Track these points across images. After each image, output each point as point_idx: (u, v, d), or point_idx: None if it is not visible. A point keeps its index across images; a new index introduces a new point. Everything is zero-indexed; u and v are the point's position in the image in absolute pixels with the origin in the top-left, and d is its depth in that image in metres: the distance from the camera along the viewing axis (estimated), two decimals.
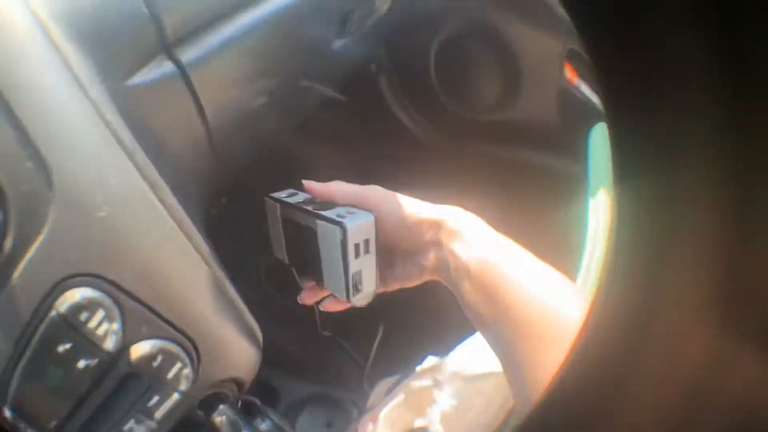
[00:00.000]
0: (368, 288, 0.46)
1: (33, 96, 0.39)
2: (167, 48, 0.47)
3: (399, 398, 0.58)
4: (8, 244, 0.38)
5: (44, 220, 0.38)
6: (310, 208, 0.47)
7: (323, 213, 0.45)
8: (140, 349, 0.41)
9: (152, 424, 0.42)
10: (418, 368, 0.60)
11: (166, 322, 0.41)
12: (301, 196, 0.50)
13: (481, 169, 0.77)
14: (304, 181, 0.49)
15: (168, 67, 0.46)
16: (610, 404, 0.23)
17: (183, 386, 0.43)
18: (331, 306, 0.50)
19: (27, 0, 0.40)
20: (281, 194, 0.51)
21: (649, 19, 0.17)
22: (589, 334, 0.24)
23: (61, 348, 0.39)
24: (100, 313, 0.39)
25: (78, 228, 0.39)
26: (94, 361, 0.40)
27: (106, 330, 0.39)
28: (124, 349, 0.41)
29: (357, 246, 0.43)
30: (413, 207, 0.45)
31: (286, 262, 0.53)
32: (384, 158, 0.84)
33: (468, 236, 0.42)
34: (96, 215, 0.39)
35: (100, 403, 0.41)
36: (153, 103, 0.45)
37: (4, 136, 0.38)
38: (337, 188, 0.47)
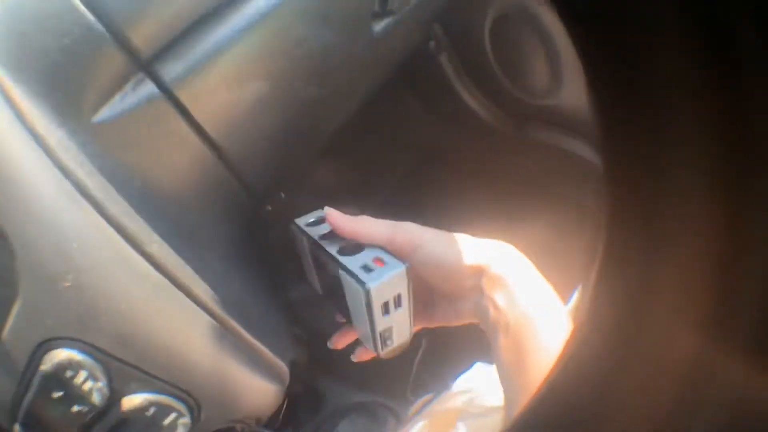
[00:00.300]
0: (400, 341, 0.42)
1: None
2: (145, 66, 0.40)
3: (420, 424, 0.55)
4: None
5: (17, 288, 0.38)
6: (334, 251, 0.41)
7: (346, 263, 0.39)
8: (131, 402, 0.41)
9: None
10: (447, 393, 0.57)
11: (155, 377, 0.40)
12: (326, 226, 0.44)
13: (544, 157, 0.69)
14: (326, 213, 0.42)
15: (147, 89, 0.40)
16: (597, 410, 0.24)
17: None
18: (363, 356, 0.46)
19: None
20: (308, 219, 0.46)
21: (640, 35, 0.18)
22: (578, 341, 0.24)
23: (54, 395, 0.41)
24: (83, 373, 0.40)
25: (48, 296, 0.38)
26: (85, 408, 0.41)
27: (91, 387, 0.40)
28: (113, 401, 0.41)
29: (385, 304, 0.38)
30: (452, 249, 0.39)
31: (320, 293, 0.48)
32: (447, 143, 0.77)
33: (511, 285, 0.38)
34: (61, 284, 0.37)
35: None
36: (135, 134, 0.41)
37: None
38: (365, 228, 0.41)
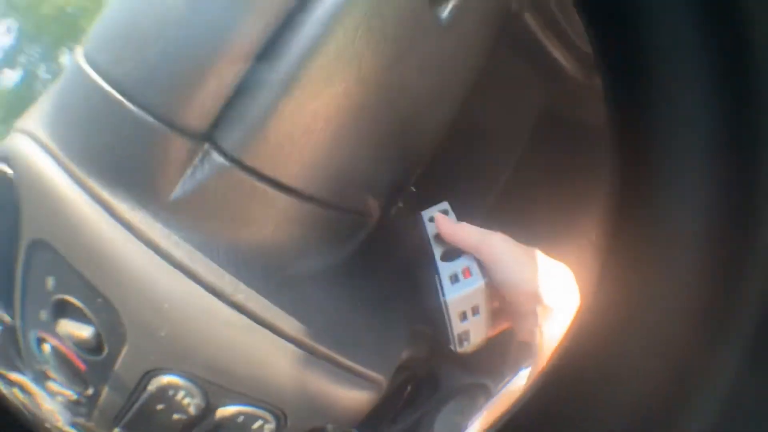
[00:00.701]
0: (476, 341, 0.48)
1: (78, 242, 0.45)
2: (205, 140, 0.45)
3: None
4: (105, 349, 0.49)
5: (124, 337, 0.47)
6: (438, 254, 0.47)
7: (441, 270, 0.45)
8: (223, 412, 0.50)
9: None
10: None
11: (244, 395, 0.49)
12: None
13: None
14: (436, 218, 0.49)
15: (213, 161, 0.46)
16: (593, 390, 0.25)
17: None
18: None
19: (50, 150, 0.44)
20: (432, 212, 0.51)
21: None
22: (577, 333, 0.26)
23: (158, 407, 0.50)
24: (181, 392, 0.49)
25: (149, 342, 0.47)
26: (184, 416, 0.51)
27: (189, 402, 0.50)
28: (208, 411, 0.51)
29: (463, 313, 0.44)
30: (522, 272, 0.43)
31: None
32: (558, 104, 0.74)
33: (560, 318, 0.41)
34: (159, 334, 0.45)
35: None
36: (214, 204, 0.46)
37: (69, 279, 0.46)
38: (461, 234, 0.47)
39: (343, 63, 0.45)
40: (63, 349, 0.53)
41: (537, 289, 0.42)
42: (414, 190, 0.61)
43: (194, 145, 0.45)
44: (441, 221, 0.47)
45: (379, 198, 0.55)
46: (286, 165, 0.47)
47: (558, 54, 0.68)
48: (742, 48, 0.20)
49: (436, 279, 0.45)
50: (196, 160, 0.45)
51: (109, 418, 0.54)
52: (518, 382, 0.55)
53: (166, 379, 0.48)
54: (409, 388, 0.58)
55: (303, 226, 0.49)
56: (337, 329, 0.50)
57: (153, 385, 0.49)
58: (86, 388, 0.54)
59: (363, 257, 0.55)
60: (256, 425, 0.51)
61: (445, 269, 0.45)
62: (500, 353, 0.65)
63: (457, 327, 0.44)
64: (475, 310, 0.44)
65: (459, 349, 0.47)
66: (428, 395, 0.64)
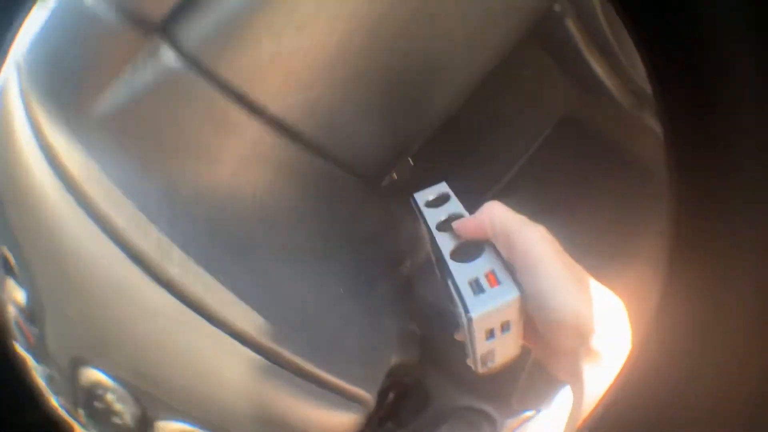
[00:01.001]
0: (502, 360, 0.37)
1: (8, 174, 0.34)
2: (156, 31, 0.31)
3: None
4: (37, 321, 0.38)
5: (44, 307, 0.36)
6: (447, 251, 0.35)
7: (456, 273, 0.34)
8: (165, 427, 0.37)
9: None
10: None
11: (185, 413, 0.35)
12: (448, 207, 0.38)
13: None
14: (454, 225, 0.36)
15: (162, 59, 0.31)
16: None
17: None
18: None
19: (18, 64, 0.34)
20: (428, 197, 0.39)
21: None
22: (643, 353, 0.25)
23: (97, 405, 0.38)
24: (110, 395, 0.36)
25: (62, 322, 0.34)
26: (122, 423, 0.38)
27: (122, 409, 0.36)
28: (147, 423, 0.37)
29: (490, 330, 0.34)
30: (571, 291, 0.32)
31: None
32: (582, 110, 0.68)
33: (607, 366, 0.32)
34: (67, 313, 0.32)
35: None
36: (152, 122, 0.33)
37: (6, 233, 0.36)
38: (490, 217, 0.34)
39: None
40: (15, 316, 0.42)
41: (585, 325, 0.32)
42: (411, 163, 0.49)
43: (138, 38, 0.30)
44: (463, 225, 0.36)
45: (374, 156, 0.39)
46: (262, 78, 0.31)
47: (598, 68, 0.62)
48: None
49: (449, 284, 0.33)
50: (138, 59, 0.30)
51: (70, 402, 0.43)
52: (535, 426, 0.53)
53: (92, 373, 0.35)
54: (391, 395, 0.45)
55: (276, 173, 0.32)
56: (310, 327, 0.34)
57: (83, 378, 0.36)
58: (43, 364, 0.43)
59: (346, 235, 0.39)
60: None
61: (461, 273, 0.33)
62: (508, 374, 0.53)
63: (481, 347, 0.34)
64: (505, 327, 0.33)
65: (481, 370, 0.36)
66: (415, 410, 0.54)
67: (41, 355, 0.42)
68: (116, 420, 0.38)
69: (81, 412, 0.43)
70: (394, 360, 0.42)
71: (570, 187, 0.60)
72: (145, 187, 0.31)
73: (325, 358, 0.34)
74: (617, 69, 0.62)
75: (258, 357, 0.32)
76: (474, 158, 0.65)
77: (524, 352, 0.51)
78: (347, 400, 0.37)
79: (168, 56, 0.32)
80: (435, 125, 0.41)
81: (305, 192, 0.34)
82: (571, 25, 0.59)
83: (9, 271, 0.40)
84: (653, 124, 0.63)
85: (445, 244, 0.35)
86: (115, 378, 0.35)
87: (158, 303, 0.31)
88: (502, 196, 0.60)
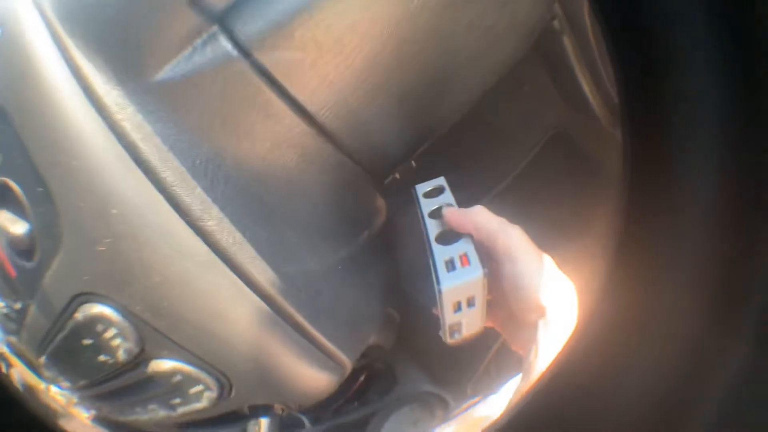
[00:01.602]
0: (469, 332, 0.42)
1: (35, 113, 0.36)
2: (216, 20, 0.36)
3: (451, 428, 0.55)
4: (37, 254, 0.40)
5: (59, 243, 0.38)
6: (433, 235, 0.42)
7: (436, 253, 0.40)
8: (158, 365, 0.41)
9: (173, 414, 0.44)
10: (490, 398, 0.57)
11: (187, 350, 0.39)
12: (442, 198, 0.44)
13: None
14: (444, 211, 0.42)
15: (219, 47, 0.36)
16: (605, 386, 0.25)
17: (205, 403, 0.42)
18: None
19: (40, 6, 0.36)
20: (426, 188, 0.46)
21: None
22: (591, 325, 0.26)
23: (84, 342, 0.41)
24: (112, 330, 0.39)
25: (85, 255, 0.37)
26: (111, 360, 0.41)
27: (119, 344, 0.39)
28: (141, 361, 0.41)
29: (457, 303, 0.39)
30: (534, 278, 0.39)
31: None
32: (574, 128, 0.74)
33: (557, 334, 0.38)
34: (98, 248, 0.35)
35: (124, 384, 0.43)
36: (205, 98, 0.37)
37: (15, 158, 0.37)
38: (474, 222, 0.41)
39: None
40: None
41: (545, 300, 0.38)
42: (414, 164, 0.54)
43: (202, 23, 0.36)
44: (451, 213, 0.42)
45: (384, 155, 0.46)
46: (303, 76, 0.38)
47: (586, 86, 0.67)
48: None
49: (430, 262, 0.39)
50: (198, 42, 0.36)
51: (36, 342, 0.44)
52: (481, 410, 0.57)
53: (97, 308, 0.39)
54: (362, 378, 0.52)
55: (301, 158, 0.39)
56: (312, 291, 0.40)
57: (81, 313, 0.39)
58: (15, 300, 0.44)
59: (349, 221, 0.46)
60: (194, 390, 0.40)
61: (440, 253, 0.39)
62: (466, 365, 0.66)
63: (449, 317, 0.39)
64: (471, 302, 0.39)
65: (449, 340, 0.42)
66: (381, 392, 0.59)
67: (20, 289, 0.44)
68: (102, 357, 0.41)
69: (44, 354, 0.45)
70: (373, 339, 0.48)
71: (555, 200, 0.64)
72: (194, 152, 0.36)
73: (320, 318, 0.40)
74: (599, 85, 0.65)
75: (264, 305, 0.38)
76: (471, 165, 0.68)
77: (484, 348, 0.60)
78: (330, 360, 0.42)
79: (226, 45, 0.37)
80: (440, 132, 0.48)
81: (321, 178, 0.40)
82: (567, 42, 0.63)
83: (6, 202, 0.42)
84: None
85: (432, 228, 0.41)
86: (124, 314, 0.39)
87: (193, 248, 0.36)
88: (495, 200, 0.69)
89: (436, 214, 0.43)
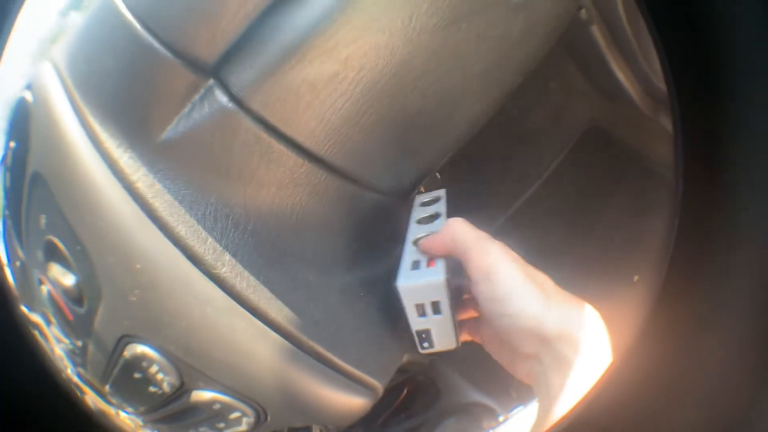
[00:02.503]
0: (443, 345, 0.41)
1: (63, 178, 0.40)
2: (210, 74, 0.37)
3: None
4: (85, 302, 0.43)
5: (100, 291, 0.41)
6: (412, 237, 0.42)
7: (406, 252, 0.41)
8: (199, 395, 0.44)
9: None
10: None
11: (220, 383, 0.42)
12: (435, 207, 0.45)
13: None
14: (419, 244, 0.41)
15: (215, 100, 0.38)
16: None
17: (245, 427, 0.45)
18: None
19: (63, 77, 0.39)
20: (425, 198, 0.47)
21: None
22: (624, 367, 0.25)
23: (135, 375, 0.45)
24: (155, 366, 0.43)
25: (121, 304, 0.40)
26: (159, 390, 0.45)
27: (162, 378, 0.43)
28: (183, 391, 0.44)
29: (420, 306, 0.39)
30: (529, 297, 0.35)
31: None
32: (608, 120, 0.70)
33: (578, 369, 0.33)
34: (130, 298, 0.39)
35: (176, 411, 0.48)
36: (207, 151, 0.39)
37: (55, 218, 0.41)
38: (451, 234, 0.39)
39: (392, 10, 0.37)
40: (54, 294, 0.48)
41: (546, 330, 0.33)
42: (438, 176, 0.53)
43: (197, 80, 0.38)
44: (426, 243, 0.40)
45: (397, 179, 0.46)
46: (300, 117, 0.38)
47: (621, 75, 0.63)
48: None
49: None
50: (196, 98, 0.37)
51: (99, 374, 0.49)
52: (527, 414, 0.56)
53: (140, 348, 0.42)
54: (405, 391, 0.53)
55: (310, 195, 0.40)
56: (332, 323, 0.42)
57: (128, 352, 0.43)
58: (76, 338, 0.49)
59: (371, 246, 0.46)
60: (233, 416, 0.43)
61: (411, 253, 0.39)
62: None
63: (414, 322, 0.39)
64: (436, 309, 0.38)
65: (421, 350, 0.42)
66: (426, 404, 0.59)
67: (78, 331, 0.48)
68: (152, 388, 0.45)
69: (108, 383, 0.50)
70: (406, 358, 0.48)
71: (593, 197, 0.61)
72: (203, 204, 0.38)
73: (342, 348, 0.41)
74: (637, 73, 0.63)
75: (285, 342, 0.40)
76: (500, 170, 0.67)
77: None
78: (358, 385, 0.43)
79: (222, 98, 0.39)
80: (459, 145, 0.47)
81: (334, 210, 0.41)
82: (596, 31, 0.59)
83: (56, 257, 0.46)
84: (668, 125, 0.61)
85: (414, 233, 0.42)
86: (162, 353, 0.42)
87: (210, 294, 0.38)
88: (527, 204, 0.66)
89: (424, 221, 0.43)
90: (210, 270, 0.38)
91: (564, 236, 0.40)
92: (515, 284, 0.35)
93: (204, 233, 0.37)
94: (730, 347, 0.22)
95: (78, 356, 0.52)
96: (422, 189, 0.51)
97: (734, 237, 0.23)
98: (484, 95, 0.44)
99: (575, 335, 0.33)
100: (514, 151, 0.66)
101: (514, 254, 0.37)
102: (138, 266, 0.38)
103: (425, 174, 0.48)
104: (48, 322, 0.54)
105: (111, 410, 0.55)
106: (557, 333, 0.34)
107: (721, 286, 0.23)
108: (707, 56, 0.24)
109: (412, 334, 0.40)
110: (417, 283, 0.37)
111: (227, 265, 0.38)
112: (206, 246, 0.37)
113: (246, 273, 0.38)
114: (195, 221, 0.37)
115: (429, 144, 0.44)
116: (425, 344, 0.41)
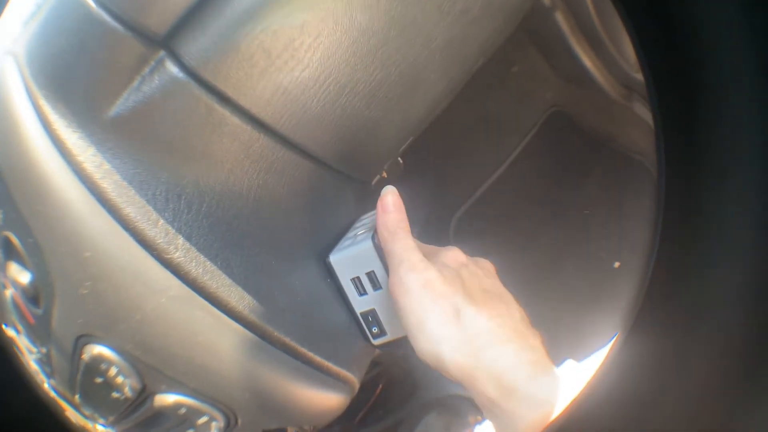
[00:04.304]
0: (396, 333, 0.39)
1: (17, 167, 0.37)
2: (160, 45, 0.35)
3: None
4: (42, 301, 0.41)
5: (54, 287, 0.38)
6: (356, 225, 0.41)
7: (347, 236, 0.39)
8: (162, 399, 0.41)
9: None
10: None
11: (182, 384, 0.39)
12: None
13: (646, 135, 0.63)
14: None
15: (166, 72, 0.35)
16: None
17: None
18: None
19: (20, 65, 0.38)
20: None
21: None
22: (611, 379, 0.24)
23: (97, 380, 0.41)
24: (113, 368, 0.39)
25: (74, 299, 0.37)
26: (122, 396, 0.41)
27: (123, 382, 0.40)
28: (146, 396, 0.41)
29: (357, 280, 0.37)
30: (427, 330, 0.32)
31: None
32: (572, 105, 0.70)
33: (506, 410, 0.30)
34: (80, 291, 0.36)
35: (143, 418, 0.44)
36: (158, 126, 0.37)
37: (10, 212, 0.39)
38: (389, 246, 0.36)
39: None
40: (16, 297, 0.45)
41: (449, 373, 0.31)
42: (401, 161, 0.51)
43: (147, 51, 0.35)
44: (382, 224, 0.37)
45: (359, 160, 0.42)
46: (254, 86, 0.35)
47: (588, 62, 0.63)
48: None
49: None
50: (146, 70, 0.35)
51: (66, 383, 0.46)
52: None
53: (97, 349, 0.39)
54: (381, 386, 0.50)
55: (267, 173, 0.37)
56: (298, 311, 0.38)
57: (86, 354, 0.40)
58: (41, 344, 0.46)
59: (332, 230, 0.43)
60: (200, 421, 0.40)
61: (350, 234, 0.39)
62: None
63: (356, 303, 0.37)
64: (374, 281, 0.36)
65: (374, 341, 0.38)
66: (403, 399, 0.57)
67: (41, 336, 0.45)
68: (115, 394, 0.42)
69: (77, 392, 0.47)
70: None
71: (559, 181, 0.61)
72: (153, 183, 0.35)
73: (311, 339, 0.38)
74: (606, 60, 0.63)
75: (249, 333, 0.37)
76: (464, 155, 0.66)
77: None
78: (333, 379, 0.40)
79: (173, 68, 0.36)
80: (419, 128, 0.44)
81: (293, 190, 0.39)
82: (560, 18, 0.59)
83: (12, 254, 0.44)
84: (642, 112, 0.65)
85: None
86: (120, 352, 0.39)
87: (163, 283, 0.35)
88: (493, 188, 0.66)
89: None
90: (162, 255, 0.34)
91: (536, 219, 0.37)
92: (416, 321, 0.32)
93: (155, 215, 0.34)
94: (713, 352, 0.22)
95: (47, 365, 0.49)
96: (384, 174, 0.48)
97: (720, 237, 0.23)
98: (445, 72, 0.42)
99: (477, 388, 0.30)
100: (477, 136, 0.65)
101: (434, 278, 0.33)
102: (87, 254, 0.35)
103: (387, 156, 0.45)
104: (18, 332, 0.51)
105: (88, 423, 0.52)
106: (460, 380, 0.31)
107: (705, 289, 0.22)
108: (683, 44, 0.23)
109: (361, 326, 0.38)
110: (346, 253, 0.37)
111: (180, 249, 0.34)
112: (157, 229, 0.34)
113: (202, 257, 0.35)
114: (145, 202, 0.34)
115: (391, 120, 0.41)
116: (375, 329, 0.38)
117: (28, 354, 0.51)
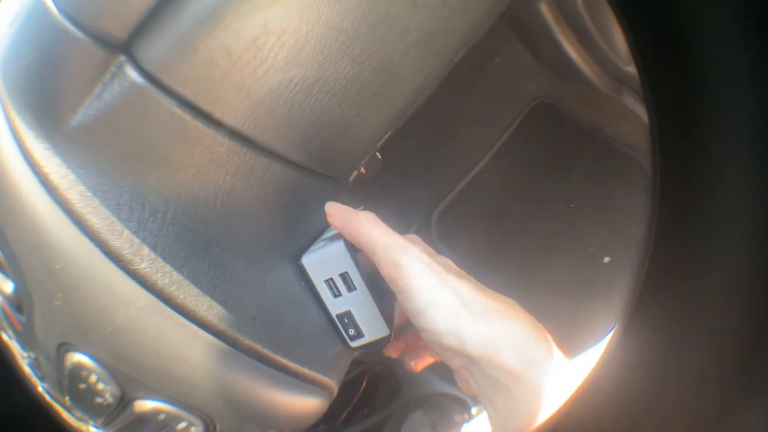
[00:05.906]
0: (373, 334, 0.38)
1: None
2: (120, 50, 0.34)
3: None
4: (24, 309, 0.41)
5: (32, 297, 0.39)
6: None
7: (322, 237, 0.38)
8: (142, 405, 0.41)
9: None
10: None
11: (158, 391, 0.39)
12: None
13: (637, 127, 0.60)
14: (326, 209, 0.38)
15: (126, 77, 0.35)
16: None
17: None
18: (419, 364, 0.41)
19: None
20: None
21: None
22: (604, 378, 0.24)
23: (81, 386, 0.42)
24: (93, 375, 0.39)
25: (50, 310, 0.38)
26: (105, 402, 0.42)
27: (103, 388, 0.40)
28: (126, 402, 0.41)
29: (331, 282, 0.37)
30: (440, 310, 0.30)
31: None
32: (556, 96, 0.68)
33: (514, 392, 0.29)
34: (54, 302, 0.36)
35: (127, 423, 0.44)
36: (120, 134, 0.36)
37: None
38: (351, 232, 0.35)
39: None
40: (4, 305, 0.46)
41: (466, 350, 0.29)
42: (379, 156, 0.50)
43: (107, 57, 0.34)
44: (334, 213, 0.37)
45: (332, 158, 0.41)
46: (216, 88, 0.34)
47: (574, 53, 0.61)
48: None
49: None
50: (107, 77, 0.34)
51: (55, 386, 0.47)
52: None
53: (76, 357, 0.39)
54: (364, 384, 0.50)
55: (234, 177, 0.36)
56: (269, 317, 0.37)
57: (68, 362, 0.40)
58: (30, 350, 0.47)
59: (306, 232, 0.42)
60: (180, 426, 0.39)
61: (326, 235, 0.38)
62: None
63: (331, 305, 0.36)
64: (348, 283, 0.36)
65: (351, 343, 0.37)
66: (389, 396, 0.56)
67: (28, 342, 0.46)
68: (98, 399, 0.42)
69: (66, 395, 0.47)
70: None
71: (544, 173, 0.59)
72: (117, 193, 0.35)
73: (284, 345, 0.37)
74: (594, 52, 0.61)
75: (220, 342, 0.36)
76: (445, 148, 0.66)
77: None
78: (309, 385, 0.39)
79: (132, 74, 0.35)
80: (397, 123, 0.43)
81: (263, 193, 0.38)
82: (544, 9, 0.57)
83: None
84: (633, 105, 0.63)
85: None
86: (97, 360, 0.39)
87: (131, 294, 0.35)
88: (475, 181, 0.64)
89: None
90: (128, 266, 0.34)
91: (521, 211, 0.36)
92: (429, 297, 0.30)
93: (119, 225, 0.34)
94: (707, 352, 0.22)
95: (37, 369, 0.50)
96: (362, 170, 0.47)
97: (713, 236, 0.22)
98: (423, 66, 0.40)
99: (499, 359, 0.29)
100: (458, 128, 0.64)
101: (426, 257, 0.32)
102: (57, 266, 0.35)
103: (364, 152, 0.44)
104: (10, 337, 0.52)
105: (82, 426, 0.53)
106: (480, 355, 0.29)
107: (701, 285, 0.22)
108: (676, 37, 0.23)
109: (338, 328, 0.37)
110: (318, 254, 0.36)
111: (146, 260, 0.34)
112: (122, 239, 0.34)
113: (168, 267, 0.34)
114: (109, 212, 0.34)
115: (365, 117, 0.39)
116: (352, 331, 0.37)
117: (21, 358, 0.52)
